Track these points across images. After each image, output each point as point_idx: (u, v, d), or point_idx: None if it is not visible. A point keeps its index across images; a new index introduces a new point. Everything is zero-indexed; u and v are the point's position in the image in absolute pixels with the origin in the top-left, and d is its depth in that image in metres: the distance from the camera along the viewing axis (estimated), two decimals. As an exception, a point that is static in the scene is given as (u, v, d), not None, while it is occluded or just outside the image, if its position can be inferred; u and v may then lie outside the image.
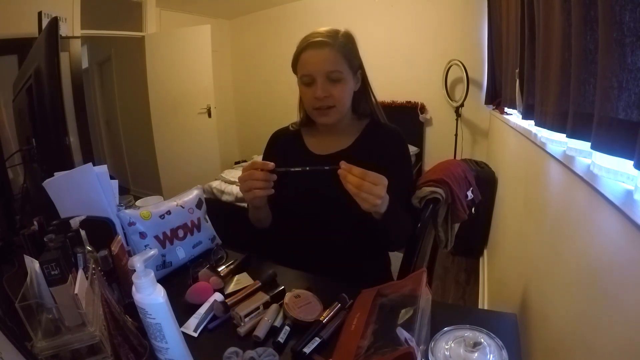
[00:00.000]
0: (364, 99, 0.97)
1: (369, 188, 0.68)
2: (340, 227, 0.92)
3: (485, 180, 2.21)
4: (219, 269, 0.83)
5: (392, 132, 0.96)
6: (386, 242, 0.93)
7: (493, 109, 2.57)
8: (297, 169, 0.76)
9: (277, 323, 0.65)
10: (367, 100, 0.97)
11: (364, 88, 0.96)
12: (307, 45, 0.86)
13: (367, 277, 0.89)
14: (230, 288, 0.78)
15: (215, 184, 2.71)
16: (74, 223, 0.67)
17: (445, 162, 1.17)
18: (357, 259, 0.95)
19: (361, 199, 0.69)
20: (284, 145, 1.02)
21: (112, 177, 0.84)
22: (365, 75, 0.95)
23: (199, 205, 0.95)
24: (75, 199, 0.77)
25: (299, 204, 0.94)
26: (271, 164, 0.77)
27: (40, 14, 2.33)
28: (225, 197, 2.60)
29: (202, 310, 0.69)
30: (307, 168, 0.76)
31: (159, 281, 0.53)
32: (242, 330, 0.64)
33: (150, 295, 0.50)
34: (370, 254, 0.98)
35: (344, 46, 0.86)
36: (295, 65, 0.90)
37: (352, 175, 0.69)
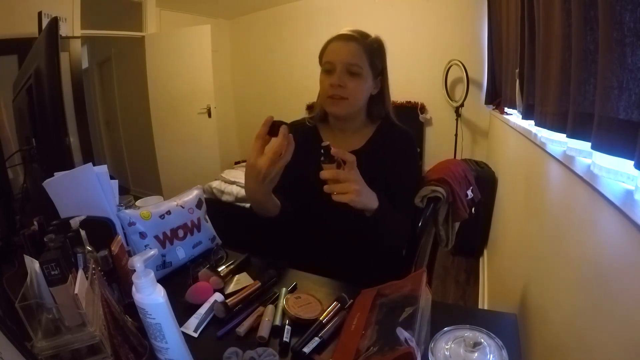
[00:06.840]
0: (379, 105, 0.98)
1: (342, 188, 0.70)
2: (341, 225, 0.91)
3: (485, 180, 2.21)
4: (219, 269, 0.83)
5: (403, 133, 0.97)
6: (373, 238, 0.90)
7: (493, 109, 2.57)
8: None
9: (277, 322, 0.65)
10: (383, 106, 0.98)
11: (382, 94, 0.97)
12: (336, 37, 0.90)
13: (372, 276, 0.89)
14: (230, 288, 0.78)
15: (215, 184, 2.71)
16: (74, 223, 0.67)
17: (446, 161, 1.17)
18: (359, 258, 0.95)
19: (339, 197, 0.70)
20: (301, 138, 1.01)
21: (112, 177, 0.84)
22: (386, 83, 0.96)
23: (199, 205, 0.95)
24: (75, 199, 0.77)
25: (300, 199, 0.94)
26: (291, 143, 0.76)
27: (40, 14, 2.33)
28: (225, 197, 2.60)
29: (202, 310, 0.69)
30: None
31: (159, 281, 0.53)
32: (241, 330, 0.64)
33: (150, 295, 0.50)
34: (373, 253, 0.97)
35: (370, 46, 0.89)
36: (321, 55, 0.93)
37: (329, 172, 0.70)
